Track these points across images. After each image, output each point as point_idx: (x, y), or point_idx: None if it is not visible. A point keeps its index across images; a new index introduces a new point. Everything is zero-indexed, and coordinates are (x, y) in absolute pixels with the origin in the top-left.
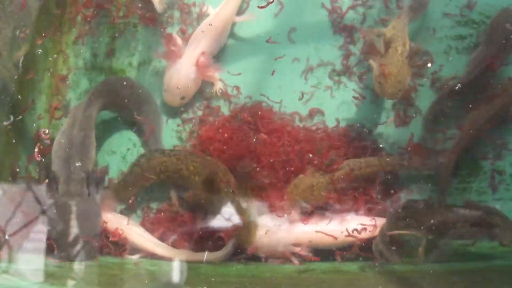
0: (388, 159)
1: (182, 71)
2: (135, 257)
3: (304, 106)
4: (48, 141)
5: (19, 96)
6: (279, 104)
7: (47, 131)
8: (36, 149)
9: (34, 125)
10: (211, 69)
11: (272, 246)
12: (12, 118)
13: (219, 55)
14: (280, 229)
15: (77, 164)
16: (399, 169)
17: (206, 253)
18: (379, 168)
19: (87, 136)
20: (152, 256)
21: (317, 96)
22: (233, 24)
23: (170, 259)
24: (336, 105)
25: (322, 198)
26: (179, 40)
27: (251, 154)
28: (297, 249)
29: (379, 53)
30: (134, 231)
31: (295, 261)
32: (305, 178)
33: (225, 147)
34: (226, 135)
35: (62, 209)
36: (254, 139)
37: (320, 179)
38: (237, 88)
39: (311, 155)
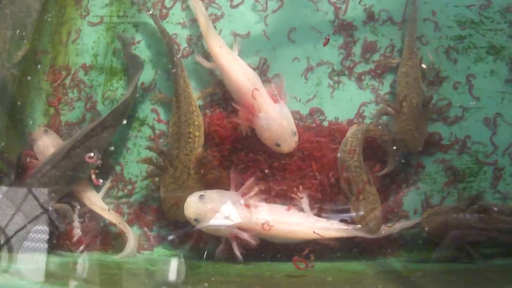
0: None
1: (277, 114)
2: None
3: (304, 105)
4: (99, 162)
5: (18, 96)
6: None
7: (92, 154)
8: (93, 176)
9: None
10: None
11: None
12: None
13: None
14: (228, 208)
15: None
16: None
17: None
18: None
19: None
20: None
21: (317, 95)
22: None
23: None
24: (335, 104)
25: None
26: (250, 99)
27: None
28: (244, 235)
29: (395, 110)
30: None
31: (237, 251)
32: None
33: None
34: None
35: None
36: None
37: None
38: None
39: None
